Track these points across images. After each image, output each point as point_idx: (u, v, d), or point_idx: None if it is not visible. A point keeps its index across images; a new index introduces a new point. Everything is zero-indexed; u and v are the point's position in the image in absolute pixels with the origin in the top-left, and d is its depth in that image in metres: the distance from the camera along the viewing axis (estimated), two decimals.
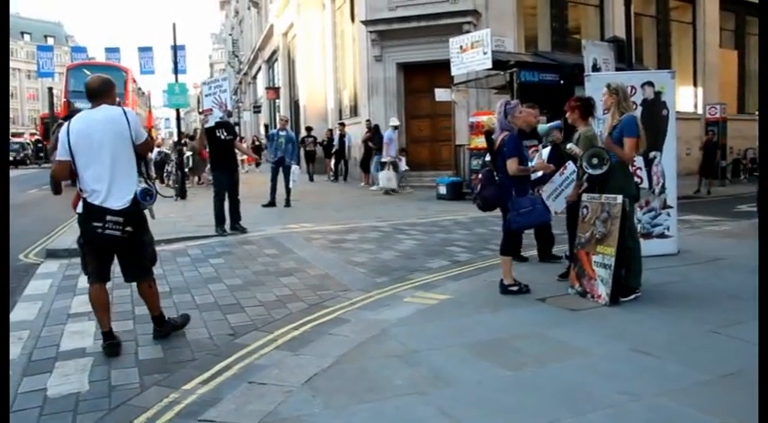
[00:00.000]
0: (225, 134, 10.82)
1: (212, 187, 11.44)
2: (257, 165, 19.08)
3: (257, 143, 27.31)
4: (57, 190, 7.62)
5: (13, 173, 37.94)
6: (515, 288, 6.21)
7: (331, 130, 25.08)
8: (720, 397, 3.77)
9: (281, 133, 15.11)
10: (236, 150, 11.76)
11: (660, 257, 7.45)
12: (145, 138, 5.03)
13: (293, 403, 3.85)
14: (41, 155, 52.39)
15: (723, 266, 7.28)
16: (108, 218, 4.68)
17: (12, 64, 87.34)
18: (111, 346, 4.95)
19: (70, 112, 24.50)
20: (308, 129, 25.21)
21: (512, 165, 6.02)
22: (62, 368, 4.67)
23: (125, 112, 4.89)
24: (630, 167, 6.42)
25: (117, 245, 4.86)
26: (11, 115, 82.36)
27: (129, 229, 4.77)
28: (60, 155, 4.80)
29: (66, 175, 5.00)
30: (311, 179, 23.21)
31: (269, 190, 14.80)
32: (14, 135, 79.84)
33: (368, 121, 20.92)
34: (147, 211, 5.06)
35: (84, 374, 4.51)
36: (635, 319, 5.42)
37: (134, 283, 5.35)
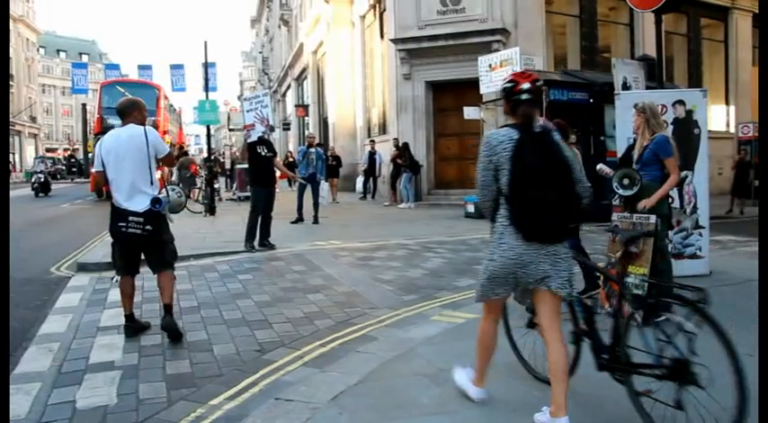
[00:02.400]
0: (266, 151, 10.96)
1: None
2: (290, 183, 18.55)
3: (291, 159, 26.84)
4: (99, 194, 8.64)
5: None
6: None
7: (333, 148, 24.58)
8: (756, 419, 3.68)
9: (311, 150, 15.24)
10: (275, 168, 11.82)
11: (692, 278, 7.32)
12: (167, 152, 5.90)
13: (320, 420, 3.84)
14: (74, 170, 53.32)
15: (756, 288, 7.14)
16: (130, 218, 5.53)
17: (47, 80, 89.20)
18: (129, 327, 5.82)
19: (103, 129, 24.99)
20: (319, 146, 23.74)
21: None
22: (91, 381, 4.71)
23: (146, 131, 5.69)
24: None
25: (140, 241, 5.66)
26: (46, 131, 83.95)
27: (148, 227, 5.57)
28: (96, 166, 5.75)
29: (102, 183, 5.82)
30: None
31: (296, 207, 14.88)
32: (49, 150, 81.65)
33: (395, 140, 20.93)
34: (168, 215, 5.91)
35: (112, 387, 4.55)
36: None
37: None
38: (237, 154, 17.41)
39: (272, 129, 12.20)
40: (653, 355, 3.62)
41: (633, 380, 3.70)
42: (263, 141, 11.16)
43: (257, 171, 11.15)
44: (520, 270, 3.67)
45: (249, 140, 11.15)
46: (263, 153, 10.94)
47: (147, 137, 5.63)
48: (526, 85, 3.71)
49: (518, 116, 3.70)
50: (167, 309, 5.84)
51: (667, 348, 3.53)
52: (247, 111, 11.87)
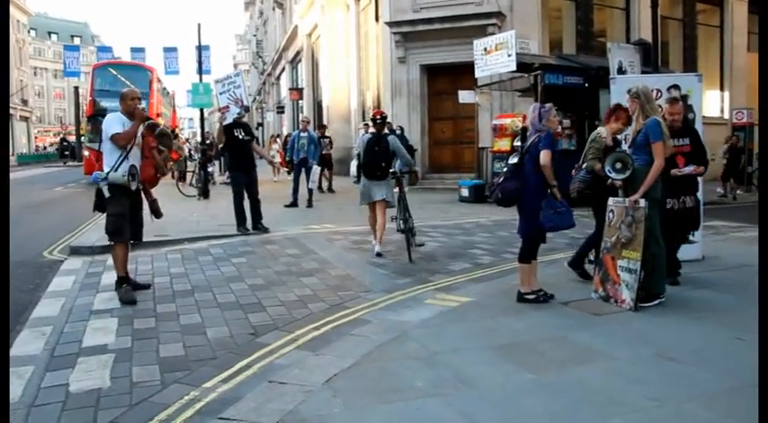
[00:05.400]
0: (243, 134, 10.84)
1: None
2: (289, 172, 17.37)
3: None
4: None
5: (39, 170, 38.48)
6: (532, 297, 6.06)
7: (325, 126, 22.25)
8: (749, 404, 3.70)
9: (302, 134, 15.18)
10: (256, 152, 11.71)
11: (685, 263, 7.35)
12: (111, 133, 6.42)
13: (313, 403, 3.85)
14: (66, 153, 53.10)
15: (749, 273, 7.14)
16: None
17: (39, 63, 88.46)
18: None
19: (96, 111, 24.77)
20: (322, 127, 21.22)
21: (546, 156, 5.76)
22: (84, 364, 4.70)
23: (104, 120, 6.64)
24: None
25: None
26: (38, 114, 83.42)
27: (95, 199, 6.63)
28: None
29: None
30: (330, 189, 19.14)
31: (291, 190, 14.84)
32: (43, 133, 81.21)
33: (389, 123, 20.59)
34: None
35: (105, 371, 4.54)
36: (659, 324, 5.36)
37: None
38: (215, 137, 17.16)
39: (246, 109, 12.11)
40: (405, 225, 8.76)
41: (411, 239, 8.60)
42: (240, 124, 11.07)
43: (235, 155, 11.08)
44: (367, 191, 8.83)
45: (225, 123, 11.09)
46: (240, 137, 10.81)
47: (103, 124, 6.59)
48: (376, 117, 8.97)
49: (374, 127, 8.98)
50: (121, 280, 6.60)
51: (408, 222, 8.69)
52: (220, 93, 11.84)
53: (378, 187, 8.74)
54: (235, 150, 11.02)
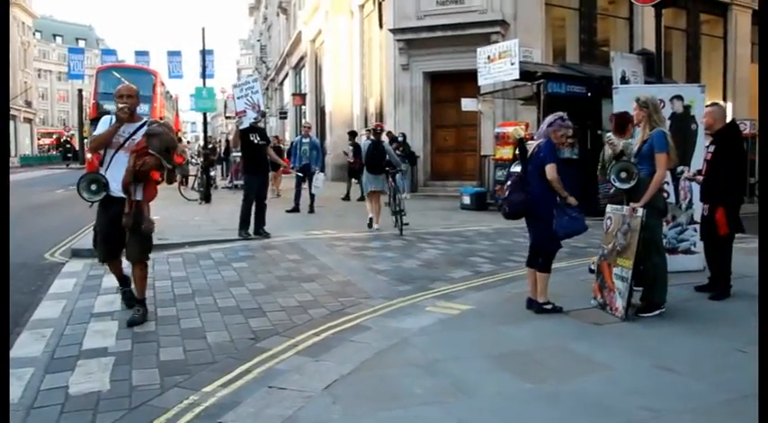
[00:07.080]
0: (258, 139, 10.93)
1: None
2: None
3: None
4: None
5: (42, 172, 38.54)
6: (550, 307, 6.00)
7: (355, 133, 21.32)
8: (747, 416, 3.70)
9: (304, 140, 15.19)
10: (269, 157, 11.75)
11: (685, 273, 7.35)
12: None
13: (312, 409, 3.85)
14: (69, 155, 53.19)
15: (749, 284, 7.14)
16: None
17: (43, 65, 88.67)
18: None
19: (99, 114, 24.84)
20: (352, 134, 20.47)
21: (552, 170, 5.71)
22: (84, 367, 4.70)
23: None
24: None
25: None
26: (41, 116, 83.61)
27: None
28: None
29: None
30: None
31: (293, 196, 14.86)
32: (44, 136, 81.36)
33: (389, 132, 20.37)
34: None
35: (105, 373, 4.54)
36: (659, 334, 5.35)
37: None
38: (230, 138, 17.22)
39: (263, 114, 12.22)
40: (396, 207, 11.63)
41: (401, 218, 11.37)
42: (255, 129, 11.19)
43: (250, 159, 11.16)
44: (368, 183, 12.07)
45: (241, 127, 11.18)
46: (255, 141, 10.92)
47: None
48: (377, 128, 12.46)
49: (373, 136, 12.28)
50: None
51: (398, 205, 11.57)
52: (238, 97, 11.94)
53: (376, 180, 11.94)
54: (250, 154, 11.11)
